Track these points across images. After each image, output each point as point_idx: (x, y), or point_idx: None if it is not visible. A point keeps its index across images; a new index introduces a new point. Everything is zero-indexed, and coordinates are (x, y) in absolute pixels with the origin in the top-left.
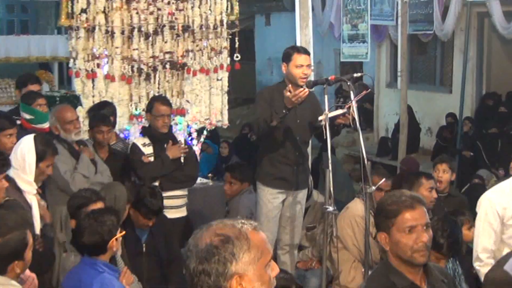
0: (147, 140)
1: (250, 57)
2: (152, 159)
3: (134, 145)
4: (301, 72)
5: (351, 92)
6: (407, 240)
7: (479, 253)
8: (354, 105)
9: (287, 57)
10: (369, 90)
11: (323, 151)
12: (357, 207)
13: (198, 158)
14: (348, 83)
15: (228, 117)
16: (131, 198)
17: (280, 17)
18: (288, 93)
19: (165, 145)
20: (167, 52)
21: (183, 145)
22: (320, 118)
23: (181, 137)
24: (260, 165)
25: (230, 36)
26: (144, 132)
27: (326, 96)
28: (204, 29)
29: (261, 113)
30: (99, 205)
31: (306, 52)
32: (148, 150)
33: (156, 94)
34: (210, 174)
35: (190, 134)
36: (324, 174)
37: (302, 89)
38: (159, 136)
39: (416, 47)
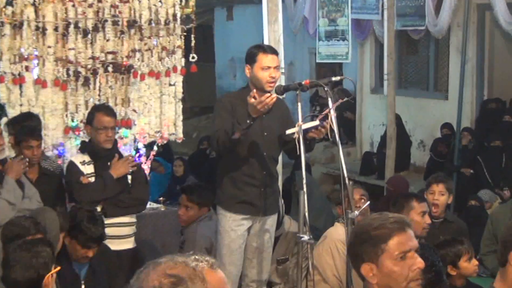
0: (87, 158)
1: (208, 57)
2: (93, 179)
3: (71, 163)
4: (268, 75)
5: (329, 99)
6: (402, 268)
7: None
8: (332, 114)
9: (251, 58)
10: (351, 96)
11: (296, 169)
12: (337, 231)
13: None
14: (326, 89)
15: (183, 130)
16: (65, 225)
17: (245, 10)
18: (253, 100)
19: (109, 163)
20: (109, 52)
21: (131, 158)
22: (290, 130)
23: (127, 153)
24: (221, 186)
25: (185, 33)
26: (84, 147)
27: (299, 104)
28: (153, 24)
29: (221, 124)
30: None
31: (274, 52)
32: (88, 169)
33: (97, 103)
34: (161, 198)
35: (137, 150)
36: (297, 197)
37: (268, 94)
38: (102, 153)
39: (406, 45)
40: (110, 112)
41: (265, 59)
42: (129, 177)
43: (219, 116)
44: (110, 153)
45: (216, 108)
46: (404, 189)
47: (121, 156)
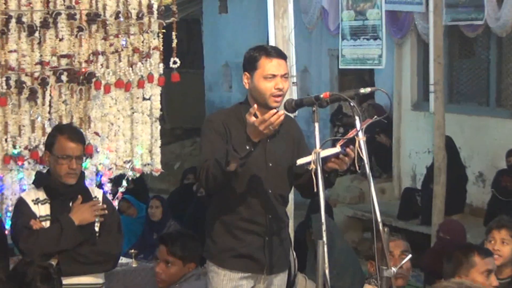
0: (42, 195)
1: (196, 62)
2: (47, 224)
3: (20, 201)
4: (273, 86)
5: (356, 118)
6: None
7: None
8: (360, 138)
9: (250, 64)
10: (385, 114)
11: (313, 212)
12: None
13: None
14: (351, 104)
15: (161, 159)
16: (8, 285)
17: (242, 0)
18: (253, 118)
19: (70, 204)
20: (63, 56)
21: (100, 204)
22: (304, 160)
23: (97, 193)
24: (212, 234)
25: (163, 30)
26: (39, 181)
27: (316, 125)
28: (122, 19)
29: (212, 152)
30: None
31: (281, 55)
32: (43, 210)
33: (49, 123)
34: (132, 250)
35: (100, 186)
36: (314, 249)
37: (274, 111)
38: (62, 189)
39: (458, 46)
40: (76, 136)
41: (269, 65)
42: (97, 223)
43: (208, 141)
44: (73, 191)
45: (204, 131)
46: (460, 239)
47: (88, 196)
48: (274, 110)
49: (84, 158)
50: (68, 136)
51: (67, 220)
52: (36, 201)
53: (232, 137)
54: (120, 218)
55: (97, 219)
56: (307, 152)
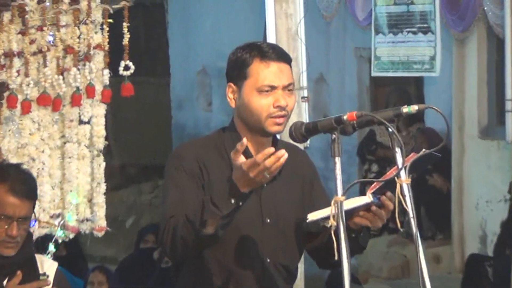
0: None
1: (158, 68)
2: None
3: None
4: (272, 103)
5: (397, 150)
6: None
7: None
8: (403, 180)
9: (237, 70)
10: (441, 144)
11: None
12: None
13: None
14: (390, 129)
15: (107, 212)
16: None
17: None
18: (241, 160)
19: (5, 283)
20: None
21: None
22: (318, 214)
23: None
24: None
25: (110, 20)
26: None
27: (337, 161)
28: (48, 3)
29: (180, 205)
30: None
31: (283, 58)
32: None
33: None
34: None
35: None
36: None
37: (272, 149)
38: None
39: None
40: (24, 188)
41: (265, 72)
42: None
43: (175, 186)
44: (10, 265)
45: (169, 171)
46: None
47: (32, 272)
48: (271, 149)
49: (31, 219)
50: (10, 186)
51: None
52: None
53: (211, 182)
54: None
55: None
56: (323, 201)
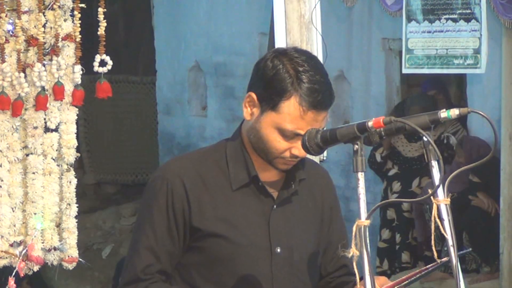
0: None
1: (141, 64)
2: None
3: None
4: (289, 148)
5: (433, 164)
6: None
7: None
8: (441, 200)
9: (270, 93)
10: (488, 155)
11: None
12: None
13: None
14: (426, 138)
15: (79, 239)
16: None
17: None
18: None
19: None
20: None
21: None
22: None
23: None
24: None
25: (82, 5)
26: None
27: (360, 177)
28: None
29: (151, 255)
30: None
31: (325, 104)
32: None
33: None
34: None
35: None
36: None
37: None
38: None
39: None
40: None
41: (297, 120)
42: None
43: (149, 226)
44: None
45: (146, 201)
46: None
47: None
48: None
49: None
50: None
51: None
52: None
53: (201, 213)
54: None
55: None
56: (342, 236)
